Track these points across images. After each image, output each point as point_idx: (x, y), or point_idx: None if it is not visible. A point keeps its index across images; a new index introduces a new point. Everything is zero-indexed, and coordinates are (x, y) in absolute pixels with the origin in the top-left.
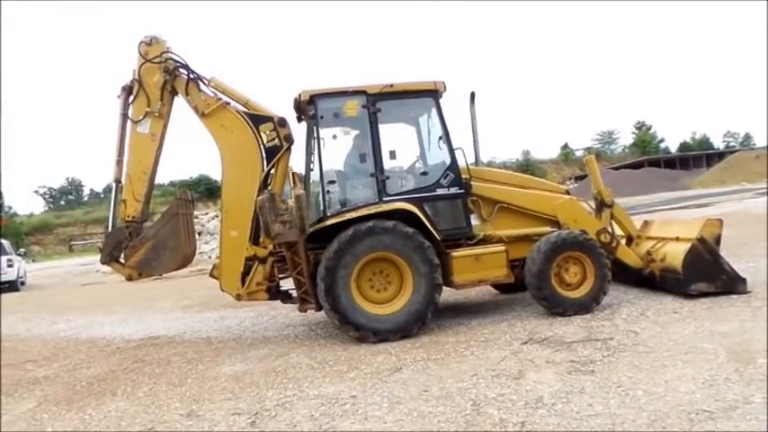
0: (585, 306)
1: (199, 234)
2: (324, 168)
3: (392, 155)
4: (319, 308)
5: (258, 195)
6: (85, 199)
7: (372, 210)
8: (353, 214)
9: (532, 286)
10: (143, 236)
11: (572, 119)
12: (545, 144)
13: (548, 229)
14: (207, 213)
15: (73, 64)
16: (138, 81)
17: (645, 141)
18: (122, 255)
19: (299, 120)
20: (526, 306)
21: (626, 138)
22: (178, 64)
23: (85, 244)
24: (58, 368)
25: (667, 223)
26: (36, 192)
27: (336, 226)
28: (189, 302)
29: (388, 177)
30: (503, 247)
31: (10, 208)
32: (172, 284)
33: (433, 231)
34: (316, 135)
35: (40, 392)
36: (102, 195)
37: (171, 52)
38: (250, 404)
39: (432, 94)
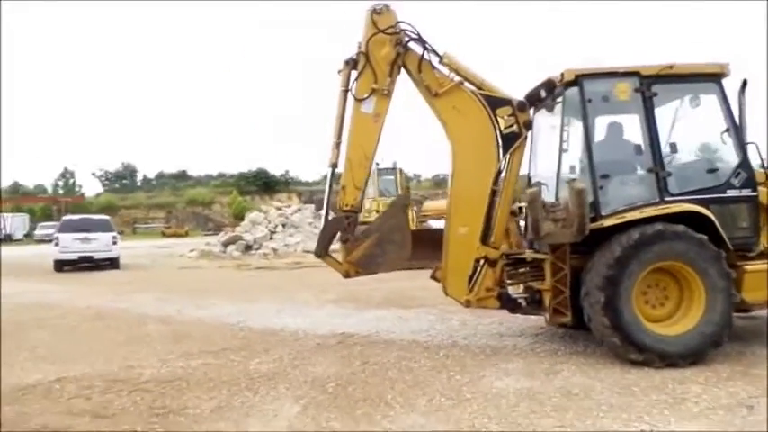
0: None
1: (283, 226)
2: (563, 160)
3: (673, 147)
4: (577, 323)
5: (492, 188)
6: (138, 184)
7: (659, 210)
8: (635, 214)
9: None
10: (367, 229)
11: None
12: None
13: None
14: (290, 206)
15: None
16: (364, 54)
17: None
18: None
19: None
20: None
21: None
22: (412, 36)
23: (148, 227)
24: (278, 362)
25: None
26: (93, 174)
27: (609, 228)
28: (333, 296)
29: (670, 174)
30: None
31: (80, 187)
32: (272, 276)
33: (726, 240)
34: (584, 121)
35: (285, 390)
36: (153, 182)
37: (404, 22)
38: None
39: (715, 78)
